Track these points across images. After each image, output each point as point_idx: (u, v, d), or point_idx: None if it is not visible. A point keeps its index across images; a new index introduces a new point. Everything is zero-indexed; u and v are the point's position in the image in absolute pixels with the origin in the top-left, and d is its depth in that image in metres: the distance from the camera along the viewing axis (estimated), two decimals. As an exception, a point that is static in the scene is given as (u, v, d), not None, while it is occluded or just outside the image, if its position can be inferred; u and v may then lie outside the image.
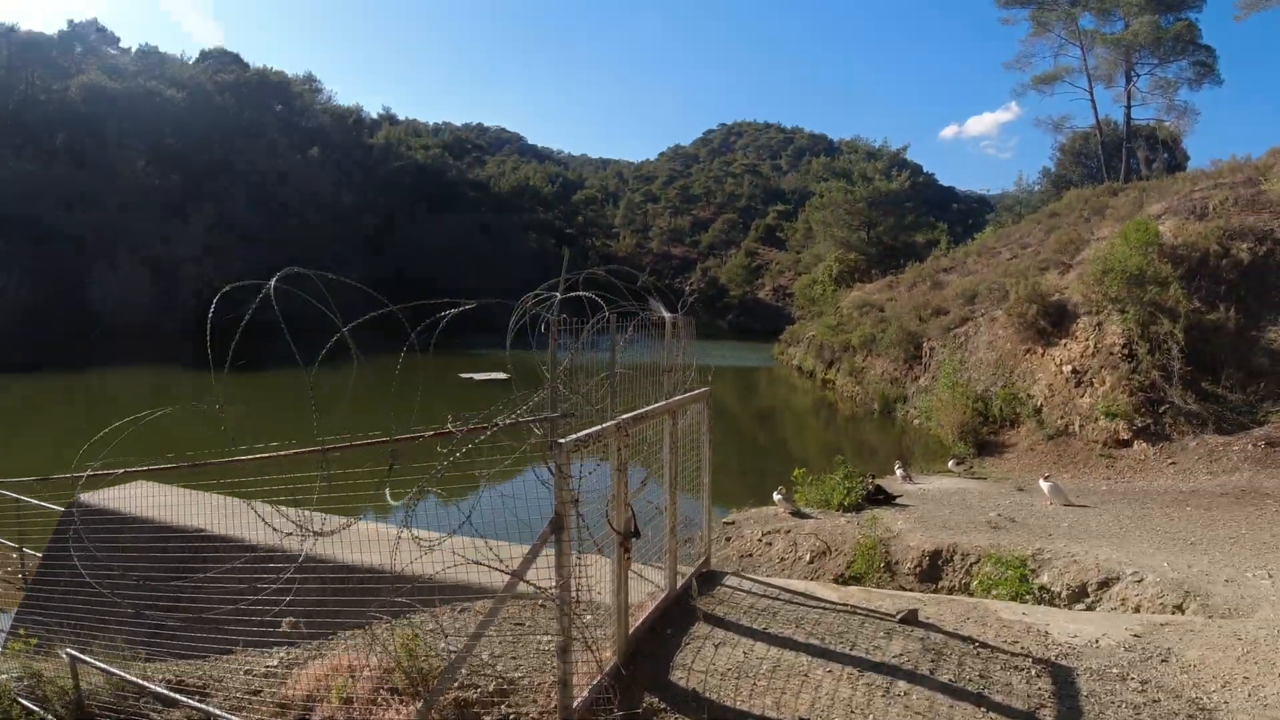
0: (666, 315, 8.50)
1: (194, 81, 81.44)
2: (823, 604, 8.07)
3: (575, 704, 5.90)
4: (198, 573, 9.54)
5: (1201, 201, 29.18)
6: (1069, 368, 24.64)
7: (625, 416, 6.89)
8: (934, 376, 32.20)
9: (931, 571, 12.87)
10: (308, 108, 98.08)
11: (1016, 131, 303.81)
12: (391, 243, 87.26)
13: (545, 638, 7.32)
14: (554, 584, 5.64)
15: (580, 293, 7.65)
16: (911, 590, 12.50)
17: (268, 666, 7.64)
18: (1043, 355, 26.32)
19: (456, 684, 6.51)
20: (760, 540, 15.35)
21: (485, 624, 5.96)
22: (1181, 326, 22.72)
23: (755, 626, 7.32)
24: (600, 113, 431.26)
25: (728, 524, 16.83)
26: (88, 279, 59.60)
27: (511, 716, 6.26)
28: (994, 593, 10.96)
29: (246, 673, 7.54)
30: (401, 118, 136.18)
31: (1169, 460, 20.16)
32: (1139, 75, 57.46)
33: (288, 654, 7.96)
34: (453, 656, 6.35)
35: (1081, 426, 23.02)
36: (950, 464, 21.97)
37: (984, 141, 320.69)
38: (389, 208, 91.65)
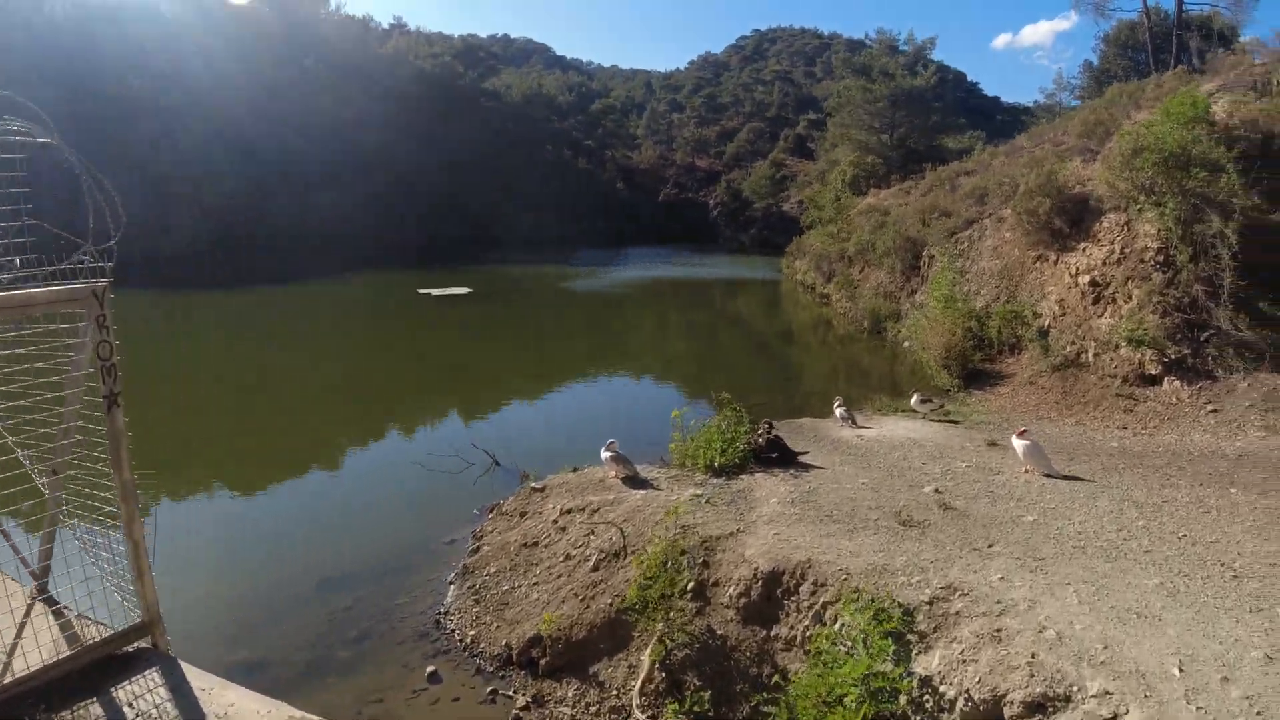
0: None
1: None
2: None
3: None
4: None
5: (1263, 76, 22.56)
6: (1086, 279, 18.83)
7: None
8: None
9: (765, 607, 7.63)
10: (311, 18, 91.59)
11: (1073, 41, 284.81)
12: (396, 157, 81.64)
13: None
14: None
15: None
16: (723, 634, 7.31)
17: None
18: (1055, 263, 20.49)
19: None
20: (555, 522, 10.23)
21: None
22: (1235, 227, 16.59)
23: None
24: (632, 22, 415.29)
25: (536, 490, 11.77)
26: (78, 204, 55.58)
27: None
28: (831, 686, 5.74)
29: None
30: (413, 27, 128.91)
31: (1209, 406, 14.57)
32: (1193, -46, 49.33)
33: None
34: None
35: (1097, 355, 17.38)
36: (913, 400, 16.53)
37: (1037, 52, 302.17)
38: (394, 120, 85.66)
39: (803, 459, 12.15)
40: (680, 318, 43.46)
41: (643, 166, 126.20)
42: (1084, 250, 19.55)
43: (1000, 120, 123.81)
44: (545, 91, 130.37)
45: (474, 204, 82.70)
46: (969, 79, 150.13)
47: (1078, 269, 19.32)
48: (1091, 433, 14.76)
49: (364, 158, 76.58)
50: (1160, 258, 17.40)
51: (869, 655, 6.04)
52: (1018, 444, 11.48)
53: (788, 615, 7.43)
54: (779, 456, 11.87)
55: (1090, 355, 17.54)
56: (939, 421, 16.02)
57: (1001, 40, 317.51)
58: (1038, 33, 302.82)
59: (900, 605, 6.65)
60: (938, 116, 64.48)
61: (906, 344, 25.92)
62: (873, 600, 6.68)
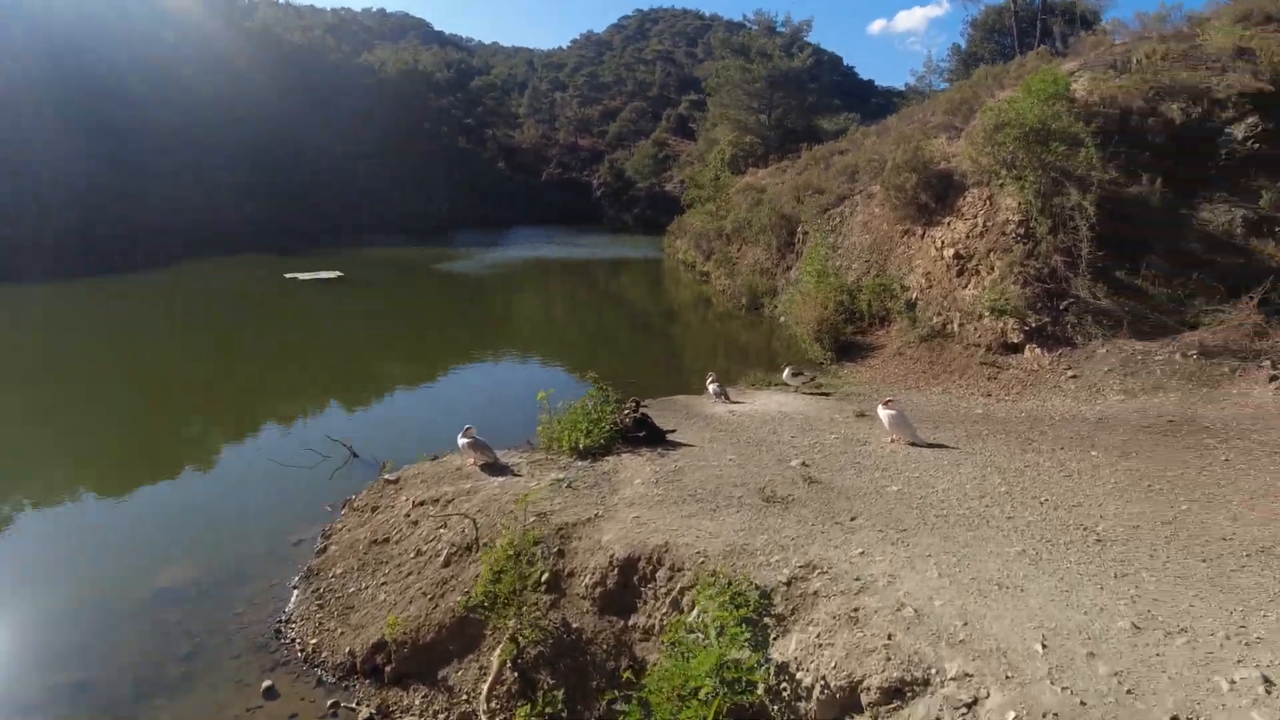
0: None
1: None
2: None
3: None
4: None
5: (1123, 56, 23.37)
6: (951, 252, 19.09)
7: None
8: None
9: (623, 596, 7.17)
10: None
11: (946, 27, 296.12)
12: (263, 136, 77.14)
13: None
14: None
15: None
16: (579, 628, 6.80)
17: None
18: (922, 237, 20.74)
19: None
20: (407, 516, 9.50)
21: None
22: (1093, 199, 17.03)
23: None
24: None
25: (389, 482, 10.99)
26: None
27: None
28: (686, 679, 5.30)
29: None
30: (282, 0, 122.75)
31: (1069, 372, 14.88)
32: (1057, -60, 51.50)
33: None
34: None
35: (962, 325, 17.64)
36: (785, 374, 16.40)
37: (911, 38, 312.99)
38: (261, 98, 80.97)
39: (672, 437, 11.75)
40: (563, 298, 42.71)
41: (525, 146, 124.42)
42: (949, 224, 19.83)
43: (875, 103, 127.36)
44: (423, 68, 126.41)
45: (347, 184, 79.08)
46: (845, 63, 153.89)
47: (943, 242, 19.58)
48: (957, 400, 14.90)
49: (228, 137, 72.17)
50: (1021, 230, 17.74)
51: (721, 644, 5.61)
52: (883, 414, 11.36)
53: (645, 603, 6.98)
54: (647, 435, 11.42)
55: (955, 325, 17.79)
56: (811, 394, 15.92)
57: (877, 26, 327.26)
58: (912, 18, 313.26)
59: (757, 587, 6.27)
60: (814, 97, 65.45)
61: (782, 319, 25.99)
62: (729, 584, 6.28)
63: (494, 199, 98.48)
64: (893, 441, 11.17)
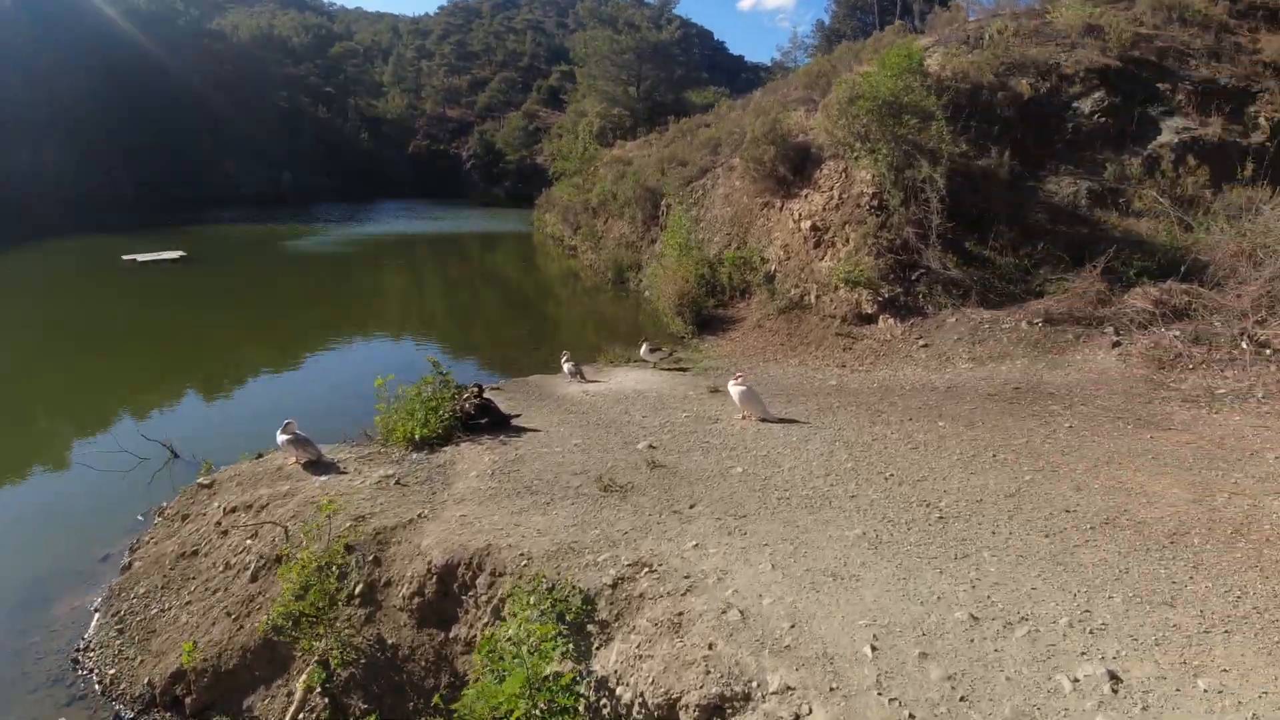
0: None
1: None
2: None
3: None
4: None
5: (976, 32, 23.87)
6: (808, 224, 19.04)
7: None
8: (669, 240, 26.27)
9: (442, 605, 6.56)
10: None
11: (814, 5, 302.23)
12: (103, 107, 71.20)
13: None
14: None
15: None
16: (395, 643, 6.15)
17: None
18: (781, 210, 20.65)
19: None
20: (218, 524, 8.58)
21: None
22: (944, 171, 17.19)
23: None
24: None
25: (203, 486, 9.96)
26: None
27: None
28: (500, 700, 4.76)
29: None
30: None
31: (920, 341, 14.99)
32: (917, -83, 52.73)
33: None
34: None
35: (819, 297, 17.61)
36: (642, 350, 16.00)
37: (780, 14, 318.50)
38: (101, 65, 74.71)
39: (518, 421, 11.14)
40: (430, 276, 41.09)
41: (390, 116, 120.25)
42: (806, 196, 19.78)
43: (744, 78, 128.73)
44: (278, 32, 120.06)
45: (193, 157, 74.00)
46: (715, 38, 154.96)
47: (800, 214, 19.53)
48: (813, 372, 14.81)
49: (65, 108, 66.40)
50: (875, 202, 17.78)
51: (532, 660, 5.06)
52: (733, 390, 11.04)
53: (466, 613, 6.38)
54: (490, 421, 10.77)
55: (813, 297, 17.76)
56: (669, 370, 15.59)
57: (747, 2, 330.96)
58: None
59: (581, 591, 5.76)
60: (683, 71, 65.31)
61: (647, 293, 25.66)
62: (551, 589, 5.75)
63: (356, 171, 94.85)
64: (743, 418, 10.88)
